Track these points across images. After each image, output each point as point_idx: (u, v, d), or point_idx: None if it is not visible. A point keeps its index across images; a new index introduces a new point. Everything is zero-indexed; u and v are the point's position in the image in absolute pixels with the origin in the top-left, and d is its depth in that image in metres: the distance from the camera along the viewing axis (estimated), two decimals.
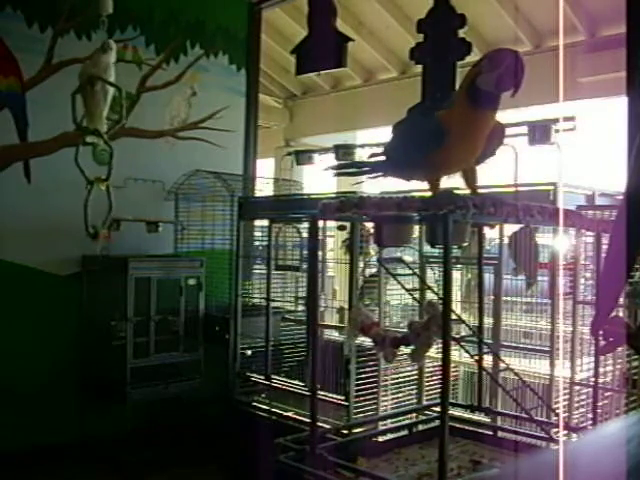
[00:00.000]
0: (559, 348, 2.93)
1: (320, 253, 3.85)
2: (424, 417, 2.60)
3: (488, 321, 2.95)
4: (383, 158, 2.00)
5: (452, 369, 3.20)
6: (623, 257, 1.41)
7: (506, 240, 3.09)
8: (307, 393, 3.26)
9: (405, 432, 2.42)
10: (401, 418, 2.72)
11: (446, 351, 1.73)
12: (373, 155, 2.08)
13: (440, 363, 1.84)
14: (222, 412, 3.80)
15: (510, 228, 3.02)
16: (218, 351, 3.95)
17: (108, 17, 3.32)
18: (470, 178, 1.88)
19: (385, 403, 3.36)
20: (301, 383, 3.56)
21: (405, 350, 2.09)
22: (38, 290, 3.91)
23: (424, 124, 1.84)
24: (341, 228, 3.99)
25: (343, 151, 4.73)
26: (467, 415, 2.61)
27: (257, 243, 4.39)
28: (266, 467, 2.15)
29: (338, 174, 2.65)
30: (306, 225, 3.67)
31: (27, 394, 3.75)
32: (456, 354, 3.28)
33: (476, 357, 2.42)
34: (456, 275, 3.43)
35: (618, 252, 1.40)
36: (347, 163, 2.50)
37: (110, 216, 3.41)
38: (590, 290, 2.91)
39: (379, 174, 2.01)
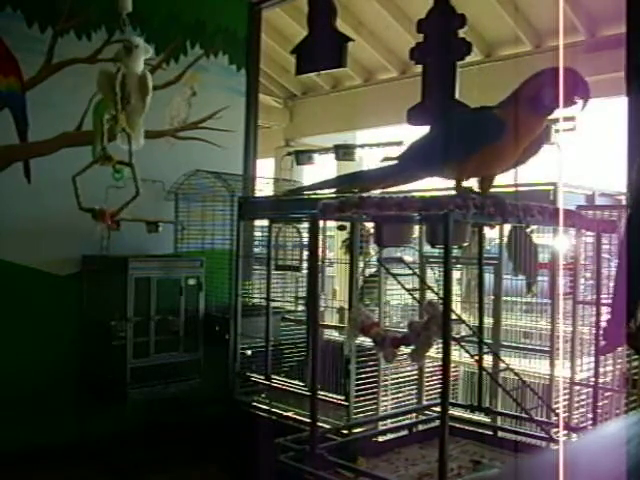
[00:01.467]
0: (559, 348, 2.93)
1: (320, 253, 3.85)
2: (424, 417, 2.60)
3: (488, 321, 2.95)
4: (395, 162, 1.99)
5: (452, 369, 3.21)
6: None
7: (506, 240, 3.09)
8: (307, 393, 3.26)
9: (405, 432, 2.42)
10: (401, 418, 2.72)
11: (446, 351, 1.73)
12: (387, 159, 2.07)
13: (440, 363, 1.84)
14: (222, 412, 3.80)
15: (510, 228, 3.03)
16: (218, 351, 3.95)
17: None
18: (488, 184, 1.90)
19: (385, 403, 3.36)
20: (301, 383, 3.56)
21: (405, 350, 2.08)
22: (38, 290, 3.91)
23: (482, 118, 1.86)
24: (341, 228, 3.99)
25: (343, 151, 4.74)
26: (467, 415, 2.61)
27: (257, 243, 4.39)
28: (266, 467, 2.15)
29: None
30: (306, 225, 3.67)
31: (27, 394, 3.75)
32: (456, 354, 3.28)
33: (476, 357, 2.41)
34: (456, 274, 3.43)
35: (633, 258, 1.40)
36: (349, 176, 2.26)
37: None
38: (590, 290, 2.91)
39: (399, 175, 2.00)
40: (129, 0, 3.24)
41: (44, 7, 3.95)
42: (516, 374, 2.52)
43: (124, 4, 3.24)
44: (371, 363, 3.29)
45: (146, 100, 3.30)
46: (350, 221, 3.06)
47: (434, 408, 2.57)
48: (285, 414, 3.55)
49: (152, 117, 4.37)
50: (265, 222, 3.95)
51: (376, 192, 2.22)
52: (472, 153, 1.81)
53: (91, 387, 3.96)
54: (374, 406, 3.31)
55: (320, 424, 2.15)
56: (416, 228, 2.45)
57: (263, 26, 5.06)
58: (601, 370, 2.75)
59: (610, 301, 2.39)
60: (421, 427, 2.48)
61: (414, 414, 2.71)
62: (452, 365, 2.87)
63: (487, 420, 2.69)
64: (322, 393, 3.13)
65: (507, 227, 3.02)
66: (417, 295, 2.98)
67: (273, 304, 3.83)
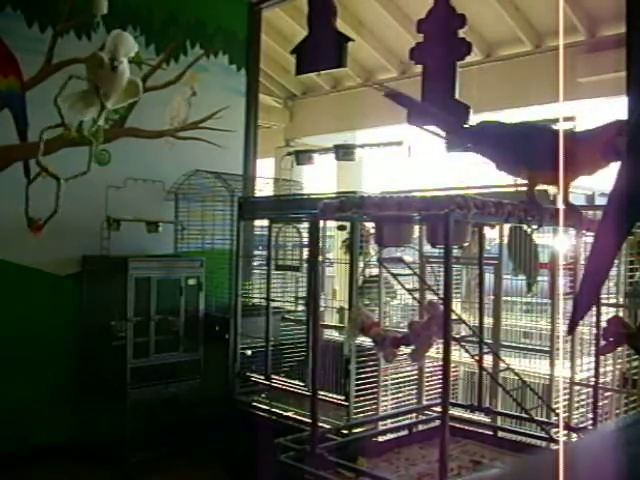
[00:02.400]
0: (559, 348, 2.93)
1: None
2: (424, 417, 2.60)
3: (488, 321, 2.95)
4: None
5: (452, 369, 3.20)
6: (608, 253, 1.42)
7: (506, 240, 3.09)
8: (307, 393, 3.26)
9: (405, 432, 2.42)
10: (401, 418, 2.72)
11: (446, 351, 1.73)
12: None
13: (440, 363, 1.84)
14: (222, 412, 3.80)
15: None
16: (218, 351, 3.95)
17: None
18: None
19: (385, 403, 3.36)
20: (301, 383, 3.56)
21: (405, 350, 2.09)
22: (38, 290, 3.91)
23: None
24: (341, 228, 3.99)
25: (343, 151, 4.74)
26: (467, 415, 2.61)
27: (257, 243, 4.39)
28: (266, 467, 2.15)
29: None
30: (306, 225, 3.67)
31: (27, 394, 3.75)
32: (456, 354, 3.28)
33: (476, 357, 2.42)
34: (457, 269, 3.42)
35: (602, 248, 1.41)
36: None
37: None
38: None
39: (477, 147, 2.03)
40: (104, 2, 3.23)
41: (44, 7, 3.95)
42: (516, 374, 2.53)
43: (99, 5, 3.22)
44: (371, 363, 3.29)
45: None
46: (350, 221, 3.06)
47: (434, 408, 2.57)
48: (285, 414, 3.55)
49: (152, 117, 4.40)
50: (265, 222, 3.95)
51: (376, 192, 2.22)
52: (543, 166, 1.87)
53: (91, 387, 3.96)
54: (374, 406, 3.31)
55: (320, 424, 2.15)
56: (416, 228, 2.46)
57: (263, 26, 5.06)
58: (601, 370, 2.75)
59: (605, 297, 2.40)
60: (421, 427, 2.48)
61: (414, 414, 2.72)
62: (452, 365, 2.87)
63: (487, 420, 2.69)
64: (322, 393, 3.13)
65: (507, 227, 3.02)
66: (417, 295, 2.98)
67: (273, 304, 3.83)
